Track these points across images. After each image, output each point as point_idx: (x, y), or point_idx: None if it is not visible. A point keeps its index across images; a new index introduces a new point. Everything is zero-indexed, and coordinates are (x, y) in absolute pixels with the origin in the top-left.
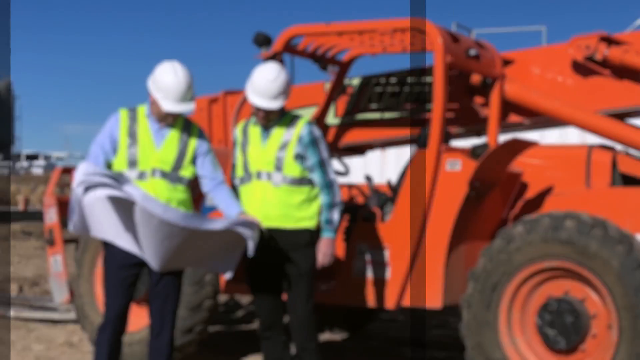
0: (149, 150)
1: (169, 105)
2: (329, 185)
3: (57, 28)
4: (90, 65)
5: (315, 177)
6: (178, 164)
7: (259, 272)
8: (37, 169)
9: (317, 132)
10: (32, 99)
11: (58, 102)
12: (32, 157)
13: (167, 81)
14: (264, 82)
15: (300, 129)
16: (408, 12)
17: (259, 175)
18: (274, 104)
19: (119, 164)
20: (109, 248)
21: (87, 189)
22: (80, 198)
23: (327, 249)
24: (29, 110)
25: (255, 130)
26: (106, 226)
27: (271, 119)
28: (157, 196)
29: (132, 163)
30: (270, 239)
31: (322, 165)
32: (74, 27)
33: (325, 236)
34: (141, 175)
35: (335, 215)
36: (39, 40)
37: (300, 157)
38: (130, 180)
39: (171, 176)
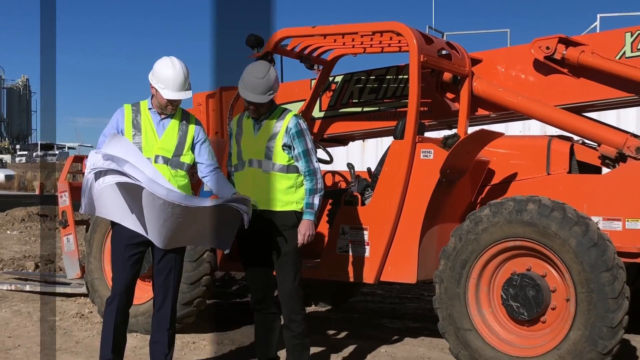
0: (152, 139)
1: (169, 94)
2: (312, 173)
3: (68, 31)
4: (99, 65)
5: (300, 165)
6: (179, 150)
7: (250, 251)
8: (51, 157)
9: (303, 124)
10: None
11: (70, 98)
12: (46, 147)
13: (166, 73)
14: (253, 79)
15: (288, 121)
16: (387, 16)
17: (250, 163)
18: (262, 99)
19: None
20: (116, 228)
21: (98, 175)
22: (91, 183)
23: (307, 230)
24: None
25: (248, 123)
26: (113, 208)
27: (262, 112)
28: None
29: None
30: (260, 220)
31: (307, 155)
32: (84, 30)
33: (306, 218)
34: None
35: (316, 200)
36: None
37: (287, 147)
38: (135, 153)
39: (173, 162)
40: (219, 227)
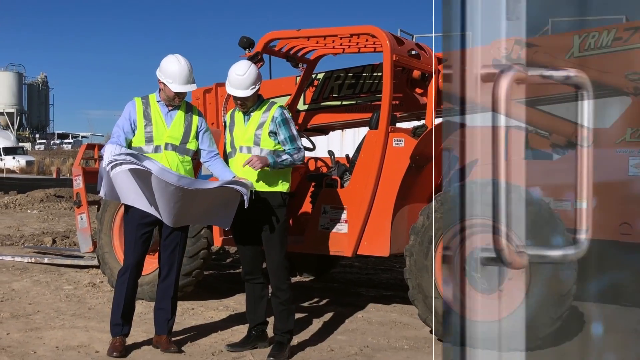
0: (162, 128)
1: (177, 87)
2: (298, 149)
3: (81, 31)
4: (110, 62)
5: (288, 147)
6: (185, 138)
7: (242, 228)
8: (67, 145)
9: (287, 114)
10: (63, 89)
11: (84, 92)
12: (62, 136)
13: (173, 69)
14: (236, 77)
15: (273, 111)
16: (363, 20)
17: (241, 149)
18: (246, 93)
19: (138, 140)
20: (129, 210)
21: (114, 165)
22: (109, 173)
23: (257, 160)
24: (60, 98)
25: (239, 115)
26: (128, 193)
27: (249, 106)
28: (170, 166)
29: (149, 140)
30: (250, 200)
31: (293, 139)
32: (95, 30)
33: (268, 156)
34: (156, 149)
35: (286, 160)
36: (68, 41)
37: (273, 134)
38: (147, 157)
39: (180, 149)
40: (220, 207)
